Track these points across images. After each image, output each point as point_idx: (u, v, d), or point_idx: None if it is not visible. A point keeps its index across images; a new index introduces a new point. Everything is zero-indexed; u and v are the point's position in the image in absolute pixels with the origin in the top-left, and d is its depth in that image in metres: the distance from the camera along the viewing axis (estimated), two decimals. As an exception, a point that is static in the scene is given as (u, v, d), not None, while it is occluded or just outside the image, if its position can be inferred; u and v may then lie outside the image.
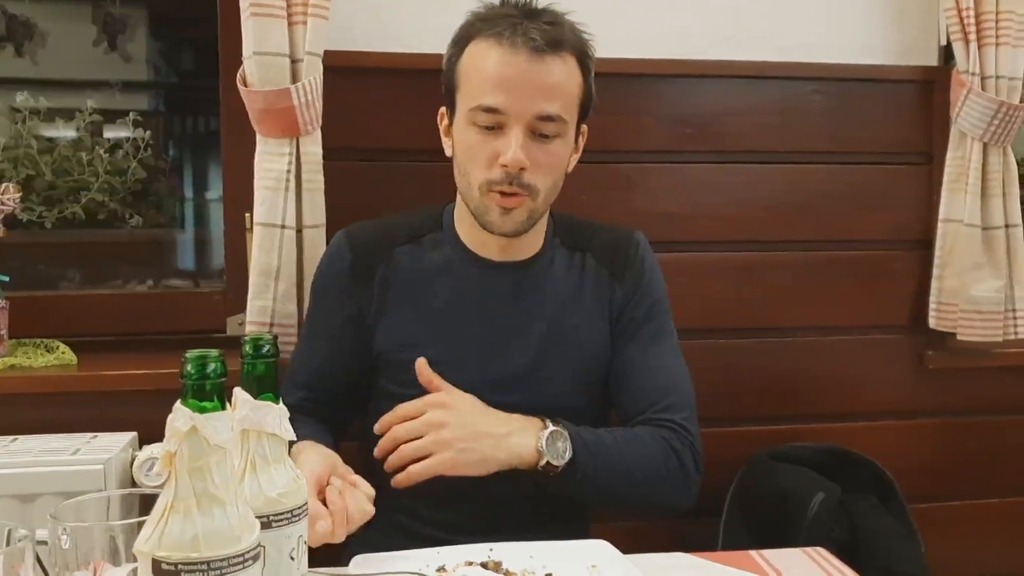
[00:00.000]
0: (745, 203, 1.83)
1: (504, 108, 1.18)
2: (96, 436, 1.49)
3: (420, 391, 1.24)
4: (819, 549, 1.18)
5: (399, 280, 1.30)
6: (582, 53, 1.24)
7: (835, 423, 1.86)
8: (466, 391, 1.23)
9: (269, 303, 1.55)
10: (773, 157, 1.85)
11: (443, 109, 1.30)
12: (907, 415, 1.90)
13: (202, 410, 0.67)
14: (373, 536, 1.14)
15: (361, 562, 1.03)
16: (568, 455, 1.16)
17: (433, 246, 1.32)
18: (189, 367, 0.68)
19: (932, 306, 1.86)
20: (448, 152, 1.29)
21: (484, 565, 1.01)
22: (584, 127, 1.30)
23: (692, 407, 1.28)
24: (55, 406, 1.57)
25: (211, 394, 0.68)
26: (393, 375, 1.29)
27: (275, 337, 0.81)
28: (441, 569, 1.00)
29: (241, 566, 0.66)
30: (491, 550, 1.05)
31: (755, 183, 1.84)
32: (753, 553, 1.16)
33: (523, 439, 1.16)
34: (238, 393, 0.78)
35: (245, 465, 0.77)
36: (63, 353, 1.63)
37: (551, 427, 1.17)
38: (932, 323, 1.87)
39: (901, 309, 1.90)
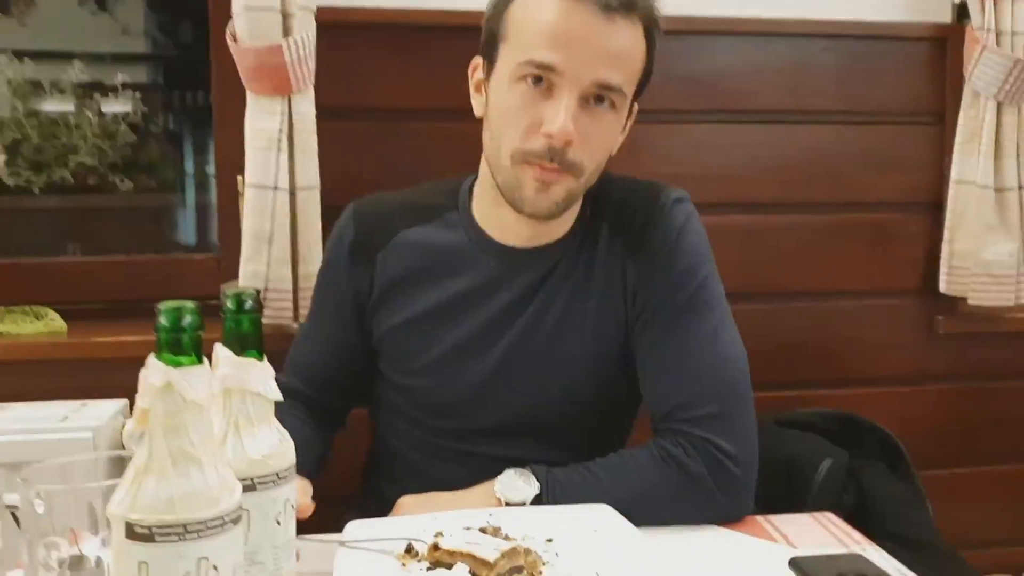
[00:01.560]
0: (752, 164, 1.79)
1: (560, 67, 1.02)
2: (86, 404, 1.46)
3: (419, 381, 1.19)
4: (828, 514, 1.15)
5: (403, 265, 1.18)
6: (651, 22, 1.08)
7: (843, 389, 1.83)
8: (469, 386, 1.17)
9: (263, 267, 1.51)
10: (782, 117, 1.80)
11: (477, 60, 1.13)
12: (917, 381, 1.88)
13: (177, 364, 0.63)
14: (372, 509, 1.10)
15: (356, 528, 0.99)
16: (534, 491, 1.06)
17: (445, 228, 1.18)
18: (163, 319, 0.64)
19: (943, 270, 1.83)
20: (478, 111, 1.13)
21: (483, 530, 0.98)
22: (636, 106, 1.14)
23: (723, 398, 1.10)
24: (44, 374, 1.54)
25: (187, 348, 0.64)
26: (392, 363, 1.21)
27: (258, 291, 0.77)
28: (439, 534, 0.96)
29: (220, 529, 0.62)
30: (490, 515, 1.02)
31: (763, 143, 1.80)
32: (760, 519, 1.12)
33: (480, 493, 1.08)
34: (219, 350, 0.75)
35: (228, 426, 0.73)
36: (52, 320, 1.60)
37: (512, 469, 1.07)
38: (943, 287, 1.83)
39: (911, 273, 1.87)
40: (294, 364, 1.26)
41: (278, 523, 0.73)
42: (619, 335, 1.16)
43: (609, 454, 1.12)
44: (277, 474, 0.73)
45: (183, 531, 0.61)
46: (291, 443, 0.76)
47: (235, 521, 0.64)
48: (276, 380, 0.77)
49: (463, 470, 1.11)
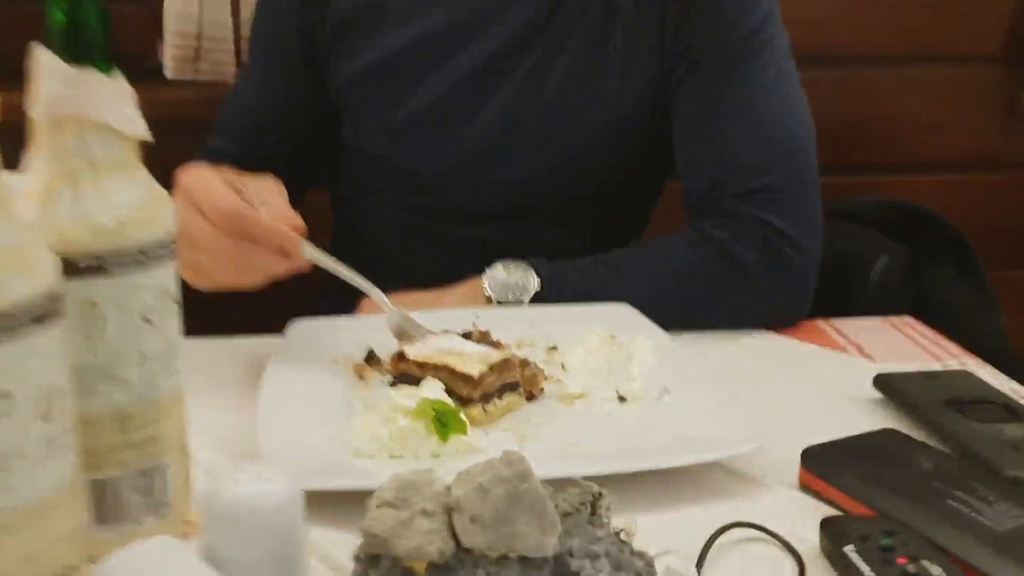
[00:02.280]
0: None
1: None
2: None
3: (391, 146, 0.98)
4: (906, 318, 0.94)
5: None
6: None
7: (904, 175, 1.62)
8: (455, 152, 0.98)
9: (194, 8, 1.25)
10: None
11: None
12: (991, 167, 1.66)
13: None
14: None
15: (301, 329, 0.78)
16: (532, 288, 0.87)
17: None
18: None
19: (1035, 31, 1.58)
20: None
21: (467, 336, 0.75)
22: None
23: (783, 168, 0.91)
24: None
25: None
26: (357, 123, 1.02)
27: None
28: (407, 339, 0.74)
29: (10, 334, 0.38)
30: (477, 316, 0.80)
31: None
32: (822, 323, 0.91)
33: (465, 290, 0.89)
34: (41, 56, 0.48)
35: (58, 175, 0.47)
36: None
37: (504, 262, 0.88)
38: (1032, 53, 1.59)
39: (990, 35, 1.60)
40: (227, 124, 1.04)
41: (148, 322, 0.49)
42: (651, 88, 0.96)
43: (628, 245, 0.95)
44: (141, 249, 0.48)
45: (-60, 335, 0.36)
46: (167, 205, 0.50)
47: (43, 320, 0.39)
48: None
49: (449, 261, 0.92)
